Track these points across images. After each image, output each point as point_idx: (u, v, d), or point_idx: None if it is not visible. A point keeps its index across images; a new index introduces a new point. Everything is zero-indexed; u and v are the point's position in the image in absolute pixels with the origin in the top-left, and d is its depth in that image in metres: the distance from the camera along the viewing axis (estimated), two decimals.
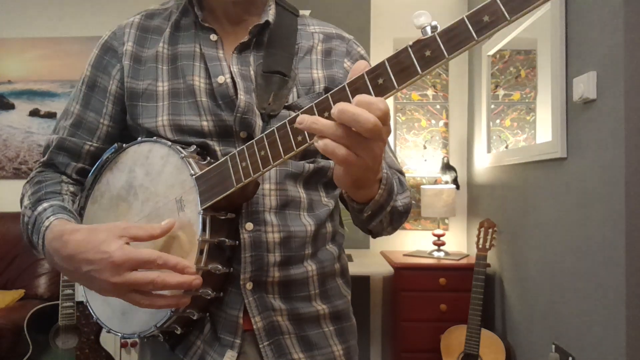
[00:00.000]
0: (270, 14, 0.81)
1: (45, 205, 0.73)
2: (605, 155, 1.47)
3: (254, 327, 0.74)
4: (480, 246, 2.27)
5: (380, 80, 0.53)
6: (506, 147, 2.31)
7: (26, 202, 0.76)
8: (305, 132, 0.58)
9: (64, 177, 0.82)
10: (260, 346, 0.74)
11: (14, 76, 3.04)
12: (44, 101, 3.02)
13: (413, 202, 2.89)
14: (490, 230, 2.29)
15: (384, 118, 0.51)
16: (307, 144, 0.57)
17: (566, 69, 1.70)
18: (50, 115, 3.01)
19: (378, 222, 0.73)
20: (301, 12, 0.90)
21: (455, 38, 0.50)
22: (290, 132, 0.58)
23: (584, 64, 1.58)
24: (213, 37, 0.80)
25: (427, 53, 0.51)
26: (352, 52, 0.87)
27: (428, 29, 0.52)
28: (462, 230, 2.91)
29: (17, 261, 2.69)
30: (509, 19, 0.48)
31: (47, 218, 0.69)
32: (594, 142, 1.54)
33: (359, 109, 0.50)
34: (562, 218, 1.74)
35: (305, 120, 0.53)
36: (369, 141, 0.52)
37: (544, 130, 1.88)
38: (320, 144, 0.52)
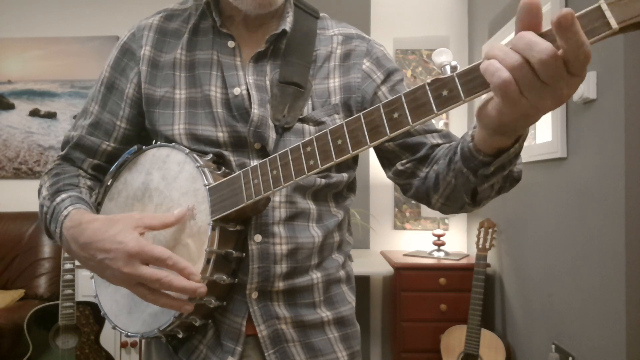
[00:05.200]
0: (288, 22, 0.80)
1: (63, 195, 0.75)
2: (605, 155, 1.47)
3: (259, 335, 0.75)
4: (480, 246, 2.27)
5: (395, 115, 0.54)
6: None
7: (45, 192, 0.78)
8: (318, 157, 0.59)
9: (81, 172, 0.84)
10: (266, 354, 0.75)
11: (14, 76, 3.04)
12: (44, 101, 3.02)
13: (413, 202, 2.90)
14: (490, 230, 2.29)
15: (572, 63, 0.44)
16: (318, 169, 0.59)
17: None
18: (50, 115, 3.01)
19: (489, 186, 0.65)
20: (322, 14, 0.88)
21: (474, 81, 0.49)
22: (303, 156, 0.60)
23: None
24: (231, 43, 0.79)
25: (444, 93, 0.51)
26: (372, 50, 0.84)
27: (447, 68, 0.51)
28: (462, 230, 2.91)
29: (17, 261, 2.69)
30: None
31: (66, 208, 0.72)
32: (594, 142, 1.54)
33: (540, 38, 0.44)
34: (562, 218, 1.74)
35: (486, 47, 0.49)
36: (543, 85, 0.45)
37: (544, 130, 1.88)
38: (485, 62, 0.47)
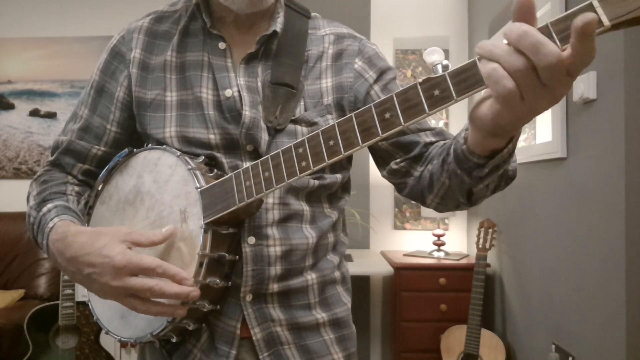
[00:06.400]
0: (279, 22, 0.79)
1: (49, 205, 0.73)
2: (605, 155, 1.47)
3: (254, 338, 0.74)
4: (480, 246, 2.27)
5: (387, 115, 0.53)
6: None
7: (31, 202, 0.77)
8: (310, 159, 0.58)
9: (69, 178, 0.82)
10: (260, 357, 0.74)
11: (14, 76, 3.04)
12: (44, 101, 3.02)
13: (413, 202, 2.90)
14: (490, 230, 2.29)
15: (575, 66, 0.43)
16: (310, 171, 0.59)
17: None
18: (50, 115, 3.01)
19: (484, 186, 0.65)
20: (313, 13, 0.87)
21: (466, 80, 0.49)
22: (295, 157, 0.60)
23: None
24: (221, 45, 0.78)
25: (436, 93, 0.50)
26: (364, 49, 0.83)
27: (439, 67, 0.51)
28: (462, 230, 2.91)
29: (17, 261, 2.69)
30: None
31: (52, 219, 0.70)
32: (594, 142, 1.54)
33: (546, 38, 0.43)
34: (562, 218, 1.74)
35: (483, 44, 0.46)
36: (543, 87, 0.44)
37: (544, 130, 1.88)
38: (488, 68, 0.45)
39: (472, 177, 0.62)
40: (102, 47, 2.97)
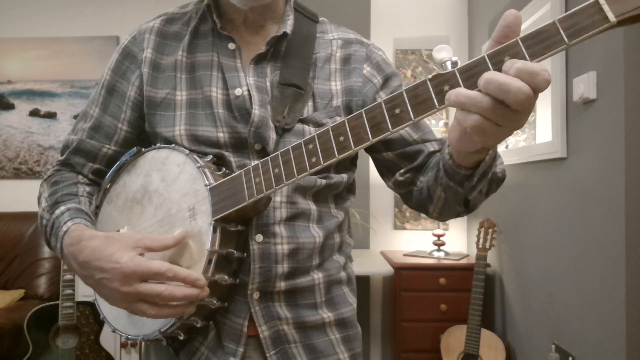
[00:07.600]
0: (289, 24, 0.81)
1: (62, 208, 0.74)
2: (605, 155, 1.47)
3: (261, 336, 0.75)
4: (480, 246, 2.27)
5: (397, 111, 0.54)
6: (506, 147, 2.31)
7: (44, 204, 0.77)
8: (320, 154, 0.59)
9: (80, 177, 0.83)
10: (267, 355, 0.75)
11: (14, 76, 3.04)
12: (44, 101, 3.02)
13: None
14: (490, 230, 2.29)
15: (544, 89, 0.46)
16: (320, 166, 0.59)
17: (566, 69, 1.70)
18: (50, 115, 3.01)
19: (478, 192, 0.69)
20: (321, 18, 0.89)
21: (475, 76, 0.49)
22: (305, 153, 0.60)
23: (584, 64, 1.58)
24: (231, 45, 0.80)
25: (446, 88, 0.51)
26: (371, 55, 0.86)
27: (448, 64, 0.52)
28: (462, 230, 2.91)
29: (17, 261, 2.69)
30: (528, 60, 0.48)
31: (65, 223, 0.71)
32: (594, 142, 1.54)
33: (509, 78, 0.46)
34: (562, 218, 1.74)
35: (451, 95, 0.49)
36: (516, 113, 0.48)
37: (544, 130, 1.88)
38: (458, 116, 0.50)
39: (464, 187, 0.66)
40: (102, 47, 2.97)
